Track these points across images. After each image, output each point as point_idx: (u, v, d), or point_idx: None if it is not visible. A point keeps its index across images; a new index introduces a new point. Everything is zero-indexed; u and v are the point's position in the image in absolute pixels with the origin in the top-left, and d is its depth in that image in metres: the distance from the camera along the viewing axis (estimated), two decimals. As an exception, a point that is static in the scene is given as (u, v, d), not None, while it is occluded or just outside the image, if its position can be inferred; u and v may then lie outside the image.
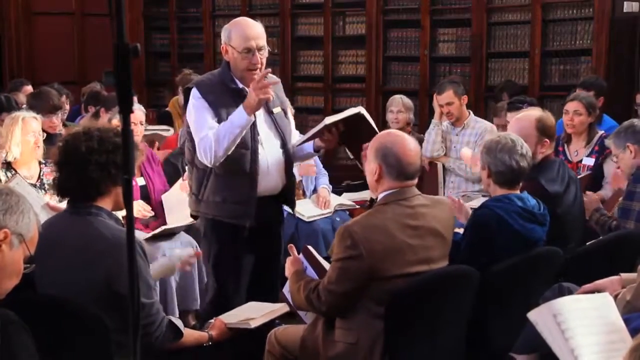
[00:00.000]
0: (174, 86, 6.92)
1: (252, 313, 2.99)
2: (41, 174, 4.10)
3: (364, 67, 6.90)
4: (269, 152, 3.37)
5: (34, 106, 4.79)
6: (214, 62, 7.56)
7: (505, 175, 3.09)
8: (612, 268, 2.91)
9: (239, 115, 3.19)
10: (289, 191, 3.54)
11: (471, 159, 3.66)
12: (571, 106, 4.64)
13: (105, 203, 2.53)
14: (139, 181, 4.34)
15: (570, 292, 2.75)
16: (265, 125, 3.39)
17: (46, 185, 4.04)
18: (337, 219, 4.87)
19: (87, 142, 2.50)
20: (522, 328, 2.69)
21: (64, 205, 2.85)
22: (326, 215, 4.87)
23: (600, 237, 3.66)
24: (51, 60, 8.39)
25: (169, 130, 5.88)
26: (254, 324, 2.88)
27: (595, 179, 4.56)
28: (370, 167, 2.80)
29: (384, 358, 2.67)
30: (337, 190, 5.40)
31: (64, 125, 5.51)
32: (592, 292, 2.69)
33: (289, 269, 2.97)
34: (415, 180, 2.80)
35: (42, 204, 3.71)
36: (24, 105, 5.07)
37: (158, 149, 5.39)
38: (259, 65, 3.30)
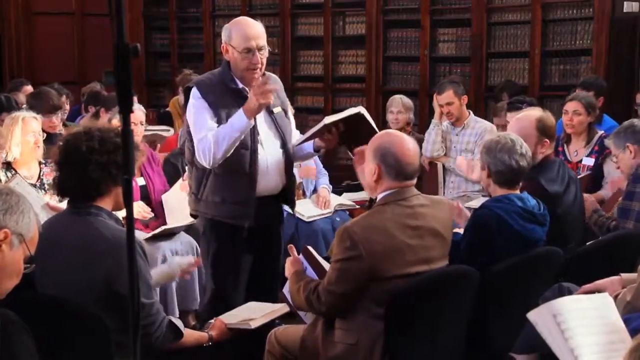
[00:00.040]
0: (174, 86, 6.92)
1: (252, 313, 2.99)
2: (41, 174, 4.10)
3: (364, 67, 6.90)
4: (269, 152, 3.37)
5: (34, 106, 4.79)
6: (214, 62, 7.55)
7: (505, 175, 3.09)
8: (612, 268, 2.91)
9: (238, 119, 3.18)
10: (289, 191, 3.54)
11: (467, 167, 3.64)
12: (570, 106, 4.64)
13: (106, 203, 2.53)
14: (139, 181, 4.34)
15: (570, 292, 2.75)
16: (265, 125, 3.39)
17: (46, 185, 4.04)
18: (337, 219, 4.87)
19: (88, 142, 2.50)
20: (522, 328, 2.69)
21: (64, 205, 2.86)
22: (326, 215, 4.87)
23: (600, 237, 3.66)
24: (51, 60, 8.39)
25: (169, 130, 5.88)
26: (254, 325, 2.88)
27: (595, 179, 4.57)
28: (369, 167, 2.80)
29: (384, 358, 2.67)
30: (337, 190, 5.40)
31: (64, 125, 5.51)
32: (592, 292, 2.69)
33: (288, 269, 2.97)
34: (414, 180, 2.80)
35: (42, 204, 3.71)
36: (24, 105, 5.07)
37: (159, 150, 5.38)
38: (259, 65, 3.30)
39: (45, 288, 2.49)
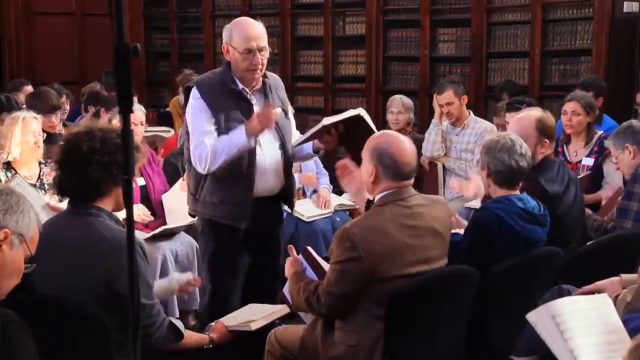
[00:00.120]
0: (174, 86, 6.92)
1: (253, 315, 2.99)
2: (41, 174, 4.10)
3: (364, 67, 6.90)
4: (268, 153, 3.36)
5: (33, 106, 4.79)
6: (214, 62, 7.56)
7: (504, 175, 3.08)
8: (612, 269, 2.91)
9: (238, 136, 3.19)
10: (288, 192, 3.54)
11: (459, 188, 3.62)
12: (569, 106, 4.64)
13: (106, 204, 2.53)
14: (139, 181, 4.34)
15: (569, 294, 2.74)
16: None
17: (46, 185, 4.04)
18: (337, 219, 4.87)
19: (89, 142, 2.50)
20: (522, 328, 2.69)
21: (64, 205, 2.86)
22: (326, 215, 4.87)
23: (600, 238, 3.66)
24: (51, 60, 8.40)
25: (169, 131, 5.87)
26: (254, 326, 2.88)
27: (595, 179, 4.57)
28: (366, 168, 2.80)
29: (384, 359, 2.67)
30: (337, 190, 5.39)
31: (64, 125, 5.52)
32: (592, 293, 2.69)
33: (288, 270, 2.97)
34: (412, 180, 2.79)
35: (42, 204, 3.71)
36: (24, 106, 5.08)
37: (159, 154, 5.38)
38: (260, 66, 3.29)
39: (45, 288, 2.49)
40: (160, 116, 6.94)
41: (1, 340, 1.83)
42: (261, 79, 3.37)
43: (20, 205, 1.94)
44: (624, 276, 2.80)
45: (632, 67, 5.94)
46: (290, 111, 3.70)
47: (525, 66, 6.11)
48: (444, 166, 5.15)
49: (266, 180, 3.38)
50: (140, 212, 4.18)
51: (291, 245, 3.07)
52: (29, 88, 6.30)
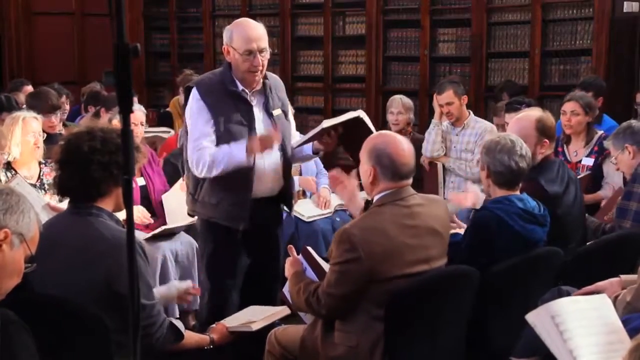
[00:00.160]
0: (174, 86, 6.92)
1: (253, 316, 2.99)
2: (41, 174, 4.10)
3: (364, 67, 6.90)
4: (267, 155, 3.35)
5: (33, 106, 4.79)
6: (214, 62, 7.56)
7: (504, 176, 3.08)
8: (611, 269, 2.91)
9: (238, 152, 3.19)
10: (287, 193, 3.54)
11: (457, 200, 3.61)
12: (568, 106, 4.65)
13: (106, 204, 2.53)
14: (139, 181, 4.34)
15: (569, 295, 2.75)
16: (264, 127, 3.38)
17: (46, 185, 4.04)
18: (337, 219, 4.86)
19: (90, 142, 2.50)
20: (522, 329, 2.68)
21: (64, 205, 2.86)
22: (326, 216, 4.87)
23: (601, 237, 3.66)
24: (51, 60, 8.40)
25: (169, 132, 5.87)
26: (255, 327, 2.88)
27: (595, 179, 4.57)
28: (364, 169, 2.80)
29: (385, 359, 2.67)
30: (337, 191, 5.40)
31: (64, 125, 5.52)
32: (591, 293, 2.69)
33: (288, 270, 2.97)
34: (410, 180, 2.79)
35: (42, 205, 3.71)
36: (24, 106, 5.08)
37: (159, 153, 5.38)
38: (260, 68, 3.29)
39: (45, 288, 2.49)
40: (160, 116, 6.94)
41: (1, 340, 1.83)
42: (261, 80, 3.37)
43: (20, 205, 1.94)
44: (624, 277, 2.80)
45: (632, 67, 5.95)
46: (291, 112, 3.70)
47: (525, 66, 6.11)
48: (444, 166, 5.15)
49: (265, 182, 3.38)
50: (140, 214, 4.18)
51: (291, 246, 3.07)
52: (29, 88, 6.30)
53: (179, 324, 2.64)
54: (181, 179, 4.37)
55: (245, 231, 3.36)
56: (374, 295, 2.64)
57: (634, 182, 3.66)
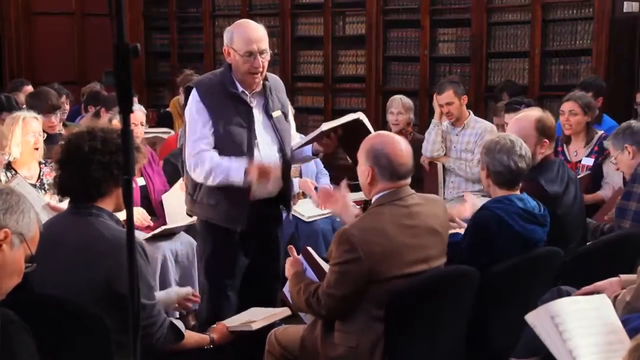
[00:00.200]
0: (174, 86, 6.92)
1: (254, 317, 2.99)
2: (41, 174, 4.10)
3: (364, 67, 6.89)
4: (266, 157, 3.35)
5: (33, 106, 4.79)
6: (214, 62, 7.56)
7: (503, 176, 3.09)
8: (611, 269, 2.91)
9: (236, 173, 3.19)
10: (286, 194, 3.53)
11: (456, 211, 3.61)
12: (566, 106, 4.65)
13: (106, 204, 2.53)
14: (139, 181, 4.34)
15: (569, 295, 2.75)
16: (263, 129, 3.38)
17: (46, 185, 4.04)
18: (337, 219, 4.86)
19: (90, 142, 2.50)
20: (522, 329, 2.68)
21: (64, 205, 2.86)
22: (326, 216, 4.86)
23: (601, 237, 3.67)
24: (51, 60, 8.40)
25: (170, 132, 5.87)
26: (255, 327, 2.88)
27: (595, 179, 4.57)
28: (362, 169, 2.80)
29: (384, 359, 2.67)
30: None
31: (64, 125, 5.52)
32: (591, 293, 2.69)
33: (288, 270, 2.97)
34: (409, 180, 2.79)
35: (43, 205, 3.71)
36: (24, 106, 5.08)
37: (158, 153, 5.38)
38: (261, 69, 3.29)
39: (45, 288, 2.49)
40: (160, 116, 6.94)
41: (1, 340, 1.83)
42: (262, 81, 3.36)
43: (20, 204, 1.94)
44: (623, 276, 2.80)
45: (632, 67, 5.95)
46: (291, 112, 3.69)
47: (525, 66, 6.11)
48: (444, 166, 5.15)
49: (264, 185, 3.37)
50: (140, 216, 4.18)
51: (291, 246, 3.07)
52: (29, 88, 6.30)
53: (179, 323, 2.64)
54: (181, 179, 4.37)
55: (244, 232, 3.36)
56: (374, 295, 2.64)
57: (633, 182, 3.66)
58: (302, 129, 5.30)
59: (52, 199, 3.81)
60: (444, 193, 5.10)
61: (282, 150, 3.42)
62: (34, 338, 1.93)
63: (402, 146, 2.76)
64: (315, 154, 3.54)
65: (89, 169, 2.48)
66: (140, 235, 3.81)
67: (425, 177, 5.21)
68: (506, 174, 3.08)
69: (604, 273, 2.86)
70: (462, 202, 4.59)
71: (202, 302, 3.62)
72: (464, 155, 5.05)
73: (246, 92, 3.34)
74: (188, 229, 4.15)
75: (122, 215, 2.64)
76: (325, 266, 2.83)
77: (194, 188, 3.40)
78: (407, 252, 2.68)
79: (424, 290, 2.73)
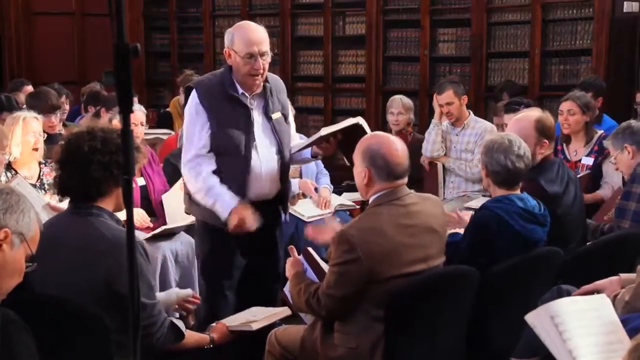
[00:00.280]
0: (174, 86, 6.92)
1: (254, 317, 2.99)
2: (41, 174, 4.10)
3: (364, 67, 6.89)
4: (264, 159, 3.35)
5: (33, 106, 4.79)
6: (214, 62, 7.56)
7: (501, 175, 3.09)
8: (611, 268, 2.91)
9: (223, 209, 3.24)
10: (283, 196, 3.53)
11: (454, 222, 3.60)
12: (565, 106, 4.66)
13: (107, 204, 2.53)
14: (139, 181, 4.34)
15: (569, 294, 2.75)
16: (262, 131, 3.37)
17: (46, 185, 4.04)
18: (338, 219, 4.85)
19: (90, 142, 2.51)
20: (522, 329, 2.68)
21: (64, 205, 2.86)
22: (326, 216, 4.86)
23: (600, 237, 3.67)
24: (51, 60, 8.40)
25: (170, 134, 5.87)
26: (255, 327, 2.88)
27: (594, 178, 4.57)
28: (358, 170, 2.80)
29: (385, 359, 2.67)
30: (337, 190, 5.40)
31: (64, 125, 5.52)
32: (591, 292, 2.69)
33: (289, 270, 2.97)
34: (406, 180, 2.79)
35: (43, 204, 3.71)
36: (24, 106, 5.08)
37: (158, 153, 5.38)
38: (261, 71, 3.28)
39: (45, 288, 2.49)
40: (160, 116, 6.93)
41: (1, 339, 1.83)
42: (262, 83, 3.36)
43: (20, 204, 1.94)
44: (623, 276, 2.80)
45: (632, 67, 5.95)
46: (291, 113, 3.69)
47: (525, 66, 6.11)
48: (444, 166, 5.15)
49: (262, 186, 3.37)
50: (140, 217, 4.18)
51: (292, 246, 3.07)
52: (29, 88, 6.30)
53: (179, 323, 2.64)
54: (181, 179, 4.37)
55: (243, 233, 3.35)
56: (374, 295, 2.64)
57: (632, 182, 3.66)
58: (302, 129, 5.30)
59: (52, 199, 3.82)
60: (444, 193, 5.10)
61: (280, 152, 3.42)
62: (34, 338, 1.93)
63: (397, 146, 2.77)
64: (314, 156, 3.54)
65: (88, 169, 2.48)
66: (140, 235, 3.81)
67: (425, 177, 5.22)
68: (503, 173, 3.08)
69: (604, 273, 2.86)
70: (461, 202, 4.62)
71: (200, 301, 3.63)
72: (464, 155, 5.05)
73: (246, 93, 3.34)
74: (188, 229, 4.15)
75: (122, 215, 2.64)
76: (326, 267, 2.83)
77: None
78: (406, 251, 2.68)
79: (424, 291, 2.73)
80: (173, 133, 5.92)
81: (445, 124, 5.16)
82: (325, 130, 3.31)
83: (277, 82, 3.49)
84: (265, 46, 3.29)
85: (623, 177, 4.02)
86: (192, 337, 2.72)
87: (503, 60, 6.26)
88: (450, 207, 4.44)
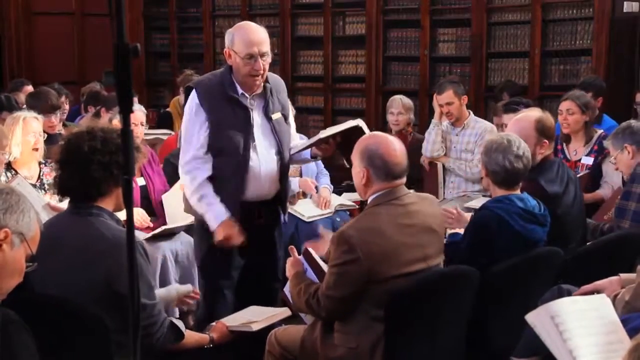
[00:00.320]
0: (174, 86, 6.92)
1: (254, 316, 2.99)
2: (41, 174, 4.10)
3: (364, 67, 6.89)
4: (263, 159, 3.35)
5: (33, 106, 4.79)
6: (214, 62, 7.57)
7: (500, 175, 3.09)
8: (611, 268, 2.91)
9: (213, 220, 3.27)
10: (283, 196, 3.53)
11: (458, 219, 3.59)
12: (564, 105, 4.66)
13: (107, 204, 2.54)
14: (139, 181, 4.34)
15: (569, 294, 2.75)
16: (261, 132, 3.37)
17: (46, 185, 4.04)
18: (338, 219, 4.86)
19: (90, 142, 2.51)
20: (522, 329, 2.68)
21: (64, 205, 2.86)
22: (326, 216, 4.86)
23: (600, 237, 3.67)
24: (51, 60, 8.40)
25: (170, 134, 5.88)
26: (255, 327, 2.88)
27: (594, 178, 4.57)
28: (357, 171, 2.80)
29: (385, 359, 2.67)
30: (337, 190, 5.40)
31: (64, 125, 5.52)
32: (591, 292, 2.69)
33: (289, 270, 2.97)
34: (404, 179, 2.79)
35: (42, 204, 3.71)
36: (24, 106, 5.08)
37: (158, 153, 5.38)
38: (261, 72, 3.28)
39: (45, 288, 2.49)
40: (160, 116, 6.93)
41: (1, 339, 1.83)
42: (262, 83, 3.36)
43: (20, 204, 1.94)
44: (623, 276, 2.80)
45: (632, 67, 5.95)
46: (292, 113, 3.69)
47: (525, 66, 6.11)
48: (444, 166, 5.15)
49: (261, 186, 3.37)
50: (140, 217, 4.18)
51: (292, 246, 3.07)
52: (29, 88, 6.30)
53: (179, 323, 2.64)
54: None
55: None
56: (373, 296, 2.64)
57: (632, 182, 3.66)
58: (302, 129, 5.29)
59: (52, 199, 3.81)
60: (444, 193, 5.10)
61: (280, 152, 3.42)
62: (34, 338, 1.93)
63: (395, 146, 2.77)
64: (313, 157, 3.54)
65: (88, 169, 2.48)
66: (140, 235, 3.81)
67: (425, 177, 5.22)
68: (501, 172, 3.08)
69: (604, 273, 2.86)
70: (461, 202, 4.62)
71: (199, 301, 3.63)
72: (464, 155, 5.05)
73: (246, 94, 3.34)
74: (188, 229, 4.15)
75: (122, 215, 2.64)
76: (326, 267, 2.83)
77: None
78: (405, 251, 2.68)
79: (424, 291, 2.73)
80: (173, 133, 5.92)
81: (445, 124, 5.16)
82: (324, 133, 3.31)
83: (277, 82, 3.48)
84: (266, 47, 3.28)
85: (623, 177, 4.02)
86: (192, 337, 2.72)
87: (503, 60, 6.27)
88: (454, 203, 4.46)
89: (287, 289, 3.04)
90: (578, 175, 4.21)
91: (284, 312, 3.11)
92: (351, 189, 5.54)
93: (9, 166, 4.00)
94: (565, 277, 3.08)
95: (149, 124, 5.72)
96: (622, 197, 3.68)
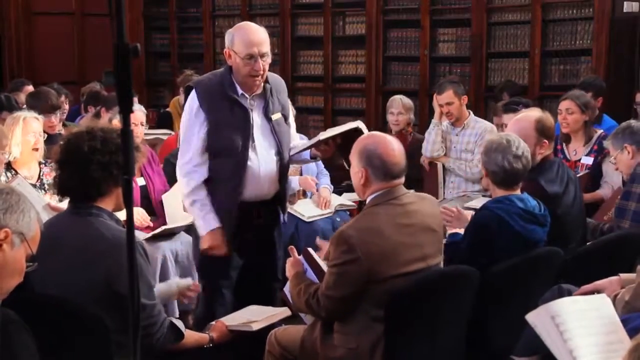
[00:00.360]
0: (174, 86, 6.92)
1: (254, 316, 2.99)
2: (41, 174, 4.10)
3: (364, 67, 6.89)
4: (262, 160, 3.35)
5: (33, 106, 4.79)
6: (214, 62, 7.57)
7: (499, 175, 3.09)
8: (611, 268, 2.92)
9: (204, 224, 3.32)
10: (282, 196, 3.53)
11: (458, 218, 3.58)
12: (563, 105, 4.66)
13: (106, 204, 2.54)
14: (139, 181, 4.34)
15: (569, 294, 2.75)
16: (261, 132, 3.37)
17: (46, 186, 4.04)
18: (338, 219, 4.86)
19: (90, 142, 2.51)
20: (522, 329, 2.68)
21: (64, 205, 2.86)
22: (326, 216, 4.87)
23: (601, 237, 3.67)
24: (51, 60, 8.40)
25: (170, 134, 5.87)
26: (255, 327, 2.88)
27: (594, 178, 4.57)
28: (355, 171, 2.80)
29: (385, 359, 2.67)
30: (337, 190, 5.40)
31: (64, 125, 5.51)
32: (591, 292, 2.69)
33: (289, 270, 2.97)
34: (403, 179, 2.79)
35: (43, 205, 3.71)
36: (24, 106, 5.08)
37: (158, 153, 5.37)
38: (261, 72, 3.28)
39: (45, 288, 2.49)
40: (160, 116, 6.93)
41: (1, 339, 1.83)
42: (262, 84, 3.36)
43: (20, 204, 1.94)
44: (623, 276, 2.80)
45: (632, 67, 5.95)
46: (292, 114, 3.68)
47: (525, 66, 6.11)
48: (444, 166, 5.15)
49: (260, 187, 3.36)
50: (140, 216, 4.18)
51: (292, 247, 3.07)
52: (30, 88, 6.29)
53: (179, 323, 2.64)
54: (181, 178, 4.37)
55: (239, 231, 3.35)
56: (373, 295, 2.64)
57: (632, 182, 3.66)
58: (302, 129, 5.29)
59: (52, 199, 3.81)
60: (444, 193, 5.10)
61: (279, 153, 3.42)
62: (34, 338, 1.93)
63: (394, 146, 2.77)
64: (313, 158, 3.54)
65: (88, 169, 2.48)
66: (140, 235, 3.81)
67: (425, 177, 5.22)
68: (500, 173, 3.08)
69: (604, 273, 2.86)
70: (461, 202, 4.62)
71: (199, 300, 3.64)
72: (464, 155, 5.05)
73: (246, 94, 3.34)
74: (188, 229, 4.16)
75: (122, 215, 2.64)
76: (326, 267, 2.83)
77: None
78: (404, 251, 2.68)
79: (424, 291, 2.73)
80: (173, 133, 5.91)
81: (445, 124, 5.16)
82: (324, 134, 3.31)
83: (278, 83, 3.48)
84: (266, 47, 3.28)
85: (623, 177, 4.02)
86: (191, 336, 2.72)
87: (503, 60, 6.27)
88: (455, 203, 4.45)
89: (287, 289, 3.04)
90: (578, 175, 4.21)
91: (283, 312, 3.11)
92: (351, 189, 5.53)
93: (9, 166, 4.00)
94: (566, 277, 3.08)
95: (149, 124, 5.72)
96: (622, 197, 3.68)
